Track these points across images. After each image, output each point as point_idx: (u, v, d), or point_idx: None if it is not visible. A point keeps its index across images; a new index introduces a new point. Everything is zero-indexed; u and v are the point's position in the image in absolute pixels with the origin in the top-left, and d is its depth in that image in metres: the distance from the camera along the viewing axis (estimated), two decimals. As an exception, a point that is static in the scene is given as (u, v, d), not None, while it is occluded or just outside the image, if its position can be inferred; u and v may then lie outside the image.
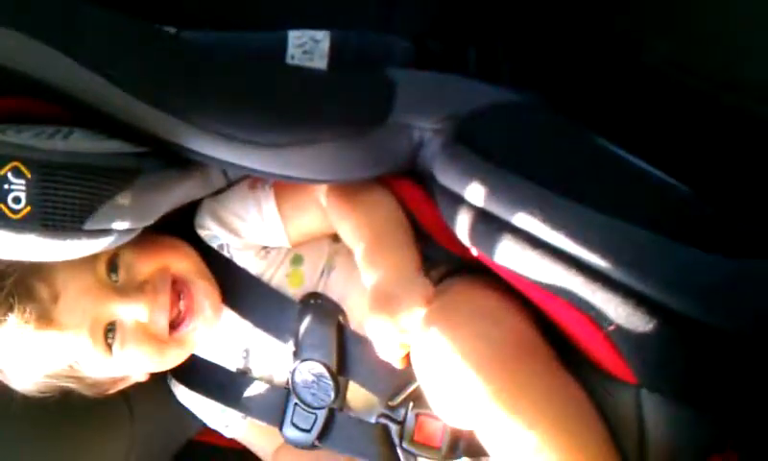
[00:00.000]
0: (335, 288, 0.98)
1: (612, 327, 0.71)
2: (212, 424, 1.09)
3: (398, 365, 0.86)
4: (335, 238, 1.01)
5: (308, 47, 1.11)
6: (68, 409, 0.96)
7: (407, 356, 0.84)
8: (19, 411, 0.93)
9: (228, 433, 1.09)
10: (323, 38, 1.11)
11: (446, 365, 0.74)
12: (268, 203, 0.98)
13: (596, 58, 1.10)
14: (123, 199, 0.83)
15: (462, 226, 0.82)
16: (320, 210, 0.98)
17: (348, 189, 0.95)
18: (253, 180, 1.01)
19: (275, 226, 0.98)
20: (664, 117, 1.02)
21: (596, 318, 0.72)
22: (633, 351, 0.72)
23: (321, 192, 0.97)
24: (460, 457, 0.90)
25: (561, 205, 0.74)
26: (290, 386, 0.99)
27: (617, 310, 0.71)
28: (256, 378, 1.02)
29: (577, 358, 0.79)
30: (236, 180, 1.01)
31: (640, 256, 0.70)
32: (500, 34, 1.16)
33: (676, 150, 0.91)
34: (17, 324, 0.86)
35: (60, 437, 1.00)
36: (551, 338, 0.82)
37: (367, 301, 0.87)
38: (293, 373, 0.98)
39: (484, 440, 0.76)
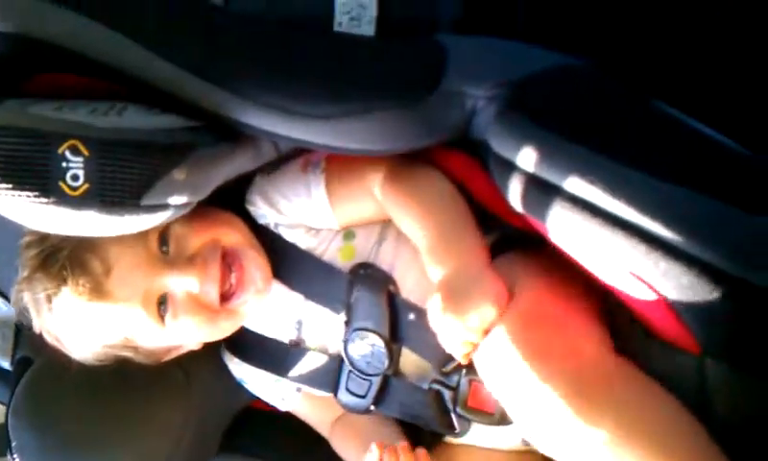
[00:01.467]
0: (385, 258, 0.99)
1: (675, 297, 0.71)
2: (267, 398, 1.11)
3: (462, 360, 0.87)
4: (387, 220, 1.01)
5: (355, 13, 1.10)
6: (127, 376, 0.99)
7: (469, 354, 0.85)
8: (80, 378, 0.97)
9: (282, 406, 1.11)
10: (369, 4, 1.10)
11: (516, 378, 0.75)
12: (318, 187, 0.98)
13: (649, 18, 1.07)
14: (179, 174, 0.84)
15: (516, 194, 0.81)
16: (372, 200, 0.98)
17: (404, 179, 0.95)
18: (305, 160, 1.01)
19: (323, 210, 0.99)
20: (719, 75, 1.00)
21: (658, 287, 0.72)
22: (697, 319, 0.72)
23: (375, 182, 0.97)
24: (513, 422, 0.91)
25: (621, 172, 0.73)
26: (343, 355, 1.00)
27: (680, 279, 0.70)
28: (310, 349, 1.03)
29: (636, 328, 0.79)
30: (288, 153, 1.01)
31: (704, 225, 0.70)
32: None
33: (733, 110, 0.89)
34: (71, 296, 0.89)
35: (120, 403, 1.03)
36: (608, 307, 0.82)
37: (419, 273, 0.89)
38: (346, 342, 0.99)
39: (549, 445, 0.77)
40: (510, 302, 0.82)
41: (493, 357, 0.79)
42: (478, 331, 0.82)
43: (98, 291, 0.89)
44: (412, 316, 0.95)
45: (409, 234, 0.94)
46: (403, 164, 0.95)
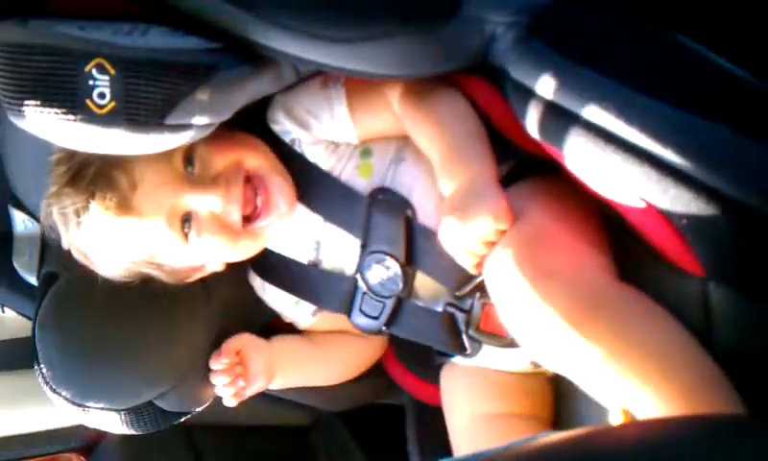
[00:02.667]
0: (404, 180, 1.00)
1: (683, 222, 0.72)
2: (286, 317, 1.15)
3: (471, 270, 0.90)
4: (404, 135, 1.02)
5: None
6: (150, 293, 1.02)
7: (480, 263, 0.87)
8: (105, 294, 1.00)
9: (300, 326, 1.15)
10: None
11: (520, 297, 0.78)
12: (339, 101, 1.00)
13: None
14: (202, 94, 0.86)
15: (533, 121, 0.82)
16: (391, 114, 0.99)
17: (421, 95, 0.96)
18: (325, 77, 1.02)
19: (344, 124, 1.00)
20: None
21: (667, 212, 0.73)
22: (704, 244, 0.73)
23: (393, 97, 0.98)
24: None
25: (635, 99, 0.74)
26: (359, 276, 1.02)
27: (690, 205, 0.71)
28: (327, 269, 1.06)
29: (644, 252, 0.81)
30: (307, 76, 1.02)
31: (714, 151, 0.71)
32: None
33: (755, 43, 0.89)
34: (98, 210, 0.92)
35: (143, 318, 1.07)
36: (617, 231, 0.84)
37: (437, 198, 0.91)
38: (361, 264, 1.02)
39: (552, 361, 0.80)
40: (516, 221, 0.84)
41: (498, 272, 0.81)
42: (478, 241, 0.85)
43: (124, 206, 0.92)
44: (428, 240, 0.97)
45: (423, 148, 0.96)
46: (422, 81, 0.96)
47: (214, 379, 1.08)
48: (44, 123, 0.83)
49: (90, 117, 0.82)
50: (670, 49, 0.82)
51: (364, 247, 1.01)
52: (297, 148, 1.03)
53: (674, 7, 0.88)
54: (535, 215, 0.87)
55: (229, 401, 1.09)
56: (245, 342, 1.10)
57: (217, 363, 1.08)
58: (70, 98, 0.82)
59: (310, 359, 1.14)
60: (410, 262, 1.00)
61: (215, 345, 1.11)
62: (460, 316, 0.99)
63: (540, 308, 0.76)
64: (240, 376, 1.08)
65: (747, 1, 0.97)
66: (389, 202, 1.00)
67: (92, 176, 0.92)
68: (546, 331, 0.76)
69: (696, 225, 0.72)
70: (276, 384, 1.13)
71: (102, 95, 0.82)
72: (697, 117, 0.71)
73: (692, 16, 0.88)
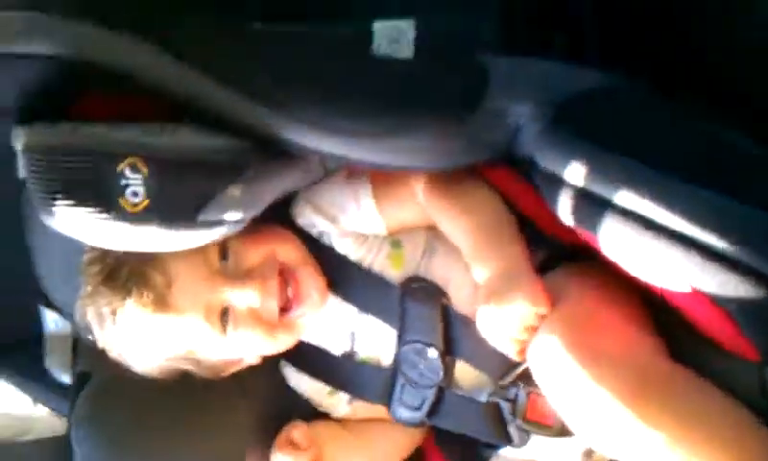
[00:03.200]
0: (438, 271, 1.00)
1: (733, 306, 0.71)
2: (319, 406, 1.12)
3: (514, 357, 0.88)
4: (431, 225, 1.02)
5: (394, 36, 1.11)
6: (185, 391, 1.02)
7: (522, 350, 0.86)
8: (140, 392, 1.01)
9: (335, 415, 1.12)
10: (408, 27, 1.11)
11: (570, 381, 0.76)
12: (365, 193, 1.00)
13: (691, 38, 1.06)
14: (234, 191, 0.87)
15: (566, 208, 0.82)
16: (417, 204, 0.99)
17: (447, 184, 0.96)
18: (350, 171, 1.02)
19: (371, 215, 1.00)
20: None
21: (716, 297, 0.71)
22: (756, 328, 0.71)
23: (418, 187, 0.98)
24: (573, 435, 0.90)
25: (671, 184, 0.73)
26: (396, 366, 1.01)
27: (737, 288, 0.69)
28: (362, 360, 1.04)
29: (693, 337, 0.79)
30: (333, 170, 1.03)
31: (756, 234, 0.69)
32: (588, 19, 1.13)
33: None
34: (136, 308, 0.91)
35: (179, 416, 1.06)
36: (663, 317, 0.82)
37: (471, 287, 0.90)
38: (399, 354, 1.00)
39: (607, 446, 0.77)
40: (556, 305, 0.83)
41: (544, 357, 0.79)
42: (518, 326, 0.84)
43: (162, 303, 0.91)
44: (466, 328, 0.95)
45: (452, 238, 0.96)
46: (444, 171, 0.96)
47: None
48: (77, 222, 0.84)
49: (124, 216, 0.83)
50: (696, 134, 0.81)
51: (400, 337, 1.00)
52: (324, 240, 1.02)
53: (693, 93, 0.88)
54: (575, 299, 0.86)
55: None
56: (325, 431, 1.07)
57: (293, 456, 1.04)
58: (103, 197, 0.83)
59: (351, 448, 1.10)
60: (449, 351, 0.98)
61: (256, 443, 1.09)
62: (505, 406, 0.96)
63: (593, 391, 0.74)
64: None
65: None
66: (424, 290, 0.99)
67: (127, 275, 0.92)
68: (600, 415, 0.74)
69: (746, 309, 0.70)
70: None
71: (135, 194, 0.83)
72: (734, 201, 0.71)
73: (715, 99, 0.88)
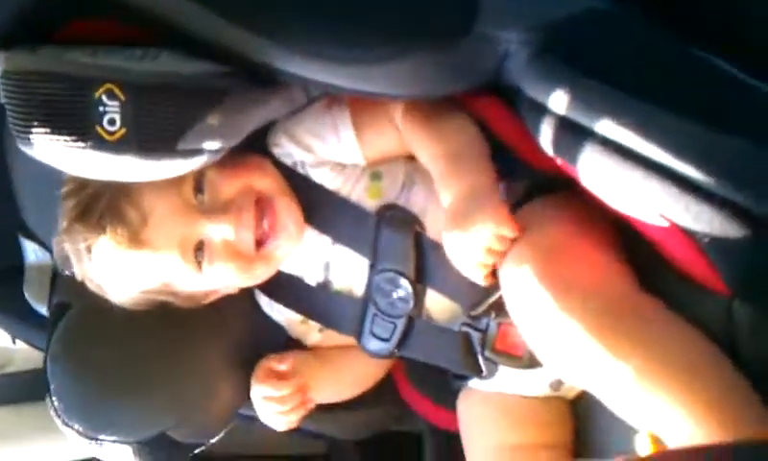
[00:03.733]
0: (416, 203, 1.00)
1: (706, 239, 0.71)
2: (291, 333, 1.13)
3: (482, 282, 0.88)
4: (411, 156, 1.01)
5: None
6: (162, 321, 1.02)
7: (490, 274, 0.86)
8: (118, 323, 1.01)
9: (306, 343, 1.13)
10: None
11: (540, 311, 0.77)
12: (344, 122, 0.99)
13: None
14: (212, 119, 0.85)
15: (547, 137, 0.81)
16: (395, 132, 0.99)
17: (424, 112, 0.95)
18: (330, 99, 1.01)
19: (350, 145, 0.99)
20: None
21: (689, 229, 0.72)
22: (726, 261, 0.72)
23: (396, 114, 0.97)
24: (542, 366, 0.92)
25: (653, 114, 0.72)
26: (368, 296, 1.01)
27: (712, 221, 0.70)
28: (336, 290, 1.05)
29: (664, 268, 0.80)
30: (314, 98, 1.02)
31: (734, 166, 0.69)
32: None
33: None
34: (110, 245, 0.92)
35: (157, 346, 1.06)
36: (636, 247, 0.83)
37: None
38: (370, 283, 1.00)
39: (575, 376, 0.78)
40: (531, 233, 0.83)
41: (516, 286, 0.80)
42: (483, 249, 0.83)
43: (135, 240, 0.92)
44: (439, 256, 0.94)
45: (424, 163, 0.96)
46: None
47: (270, 404, 1.05)
48: (54, 150, 0.83)
49: (100, 144, 0.82)
50: (685, 62, 0.80)
51: (373, 266, 1.00)
52: (300, 170, 1.02)
53: (687, 19, 0.87)
54: (550, 228, 0.86)
55: (281, 426, 1.07)
56: (298, 360, 1.08)
57: (277, 387, 1.05)
58: (80, 125, 0.81)
59: (321, 375, 1.11)
60: (420, 279, 0.98)
61: (232, 368, 1.10)
62: (475, 336, 0.97)
63: (562, 322, 0.75)
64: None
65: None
66: (397, 217, 0.99)
67: (102, 211, 0.92)
68: (569, 345, 0.75)
69: (719, 242, 0.70)
70: None
71: (112, 121, 0.81)
72: (716, 132, 0.70)
73: (705, 27, 0.87)
